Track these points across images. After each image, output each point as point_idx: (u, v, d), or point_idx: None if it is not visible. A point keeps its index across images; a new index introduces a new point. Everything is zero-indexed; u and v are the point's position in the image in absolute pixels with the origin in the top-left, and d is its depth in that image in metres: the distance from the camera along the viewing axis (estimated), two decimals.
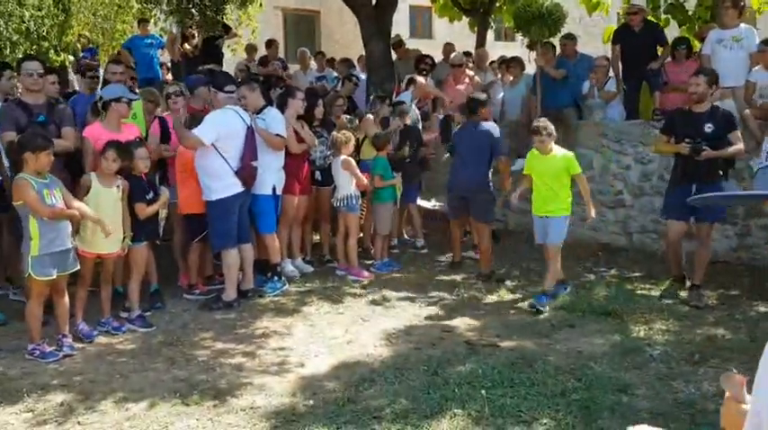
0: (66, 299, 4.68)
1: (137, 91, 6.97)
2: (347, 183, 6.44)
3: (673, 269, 6.03)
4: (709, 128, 5.56)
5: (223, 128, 5.49)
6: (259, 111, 5.99)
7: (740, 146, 5.67)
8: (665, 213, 5.96)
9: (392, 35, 9.70)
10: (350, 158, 6.44)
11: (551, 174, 5.64)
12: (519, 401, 3.82)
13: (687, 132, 5.63)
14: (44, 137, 4.62)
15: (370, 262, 6.81)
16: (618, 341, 4.83)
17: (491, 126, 6.49)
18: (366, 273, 6.45)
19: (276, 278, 6.04)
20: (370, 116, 7.25)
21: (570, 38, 8.18)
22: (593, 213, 5.86)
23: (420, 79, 8.03)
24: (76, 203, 4.63)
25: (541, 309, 5.43)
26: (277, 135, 5.92)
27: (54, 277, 4.47)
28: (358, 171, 6.43)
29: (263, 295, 5.88)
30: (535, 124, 5.64)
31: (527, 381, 4.09)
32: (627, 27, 7.89)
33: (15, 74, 5.78)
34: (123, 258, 5.16)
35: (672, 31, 9.37)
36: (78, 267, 4.68)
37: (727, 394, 1.54)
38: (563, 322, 5.25)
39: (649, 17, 8.40)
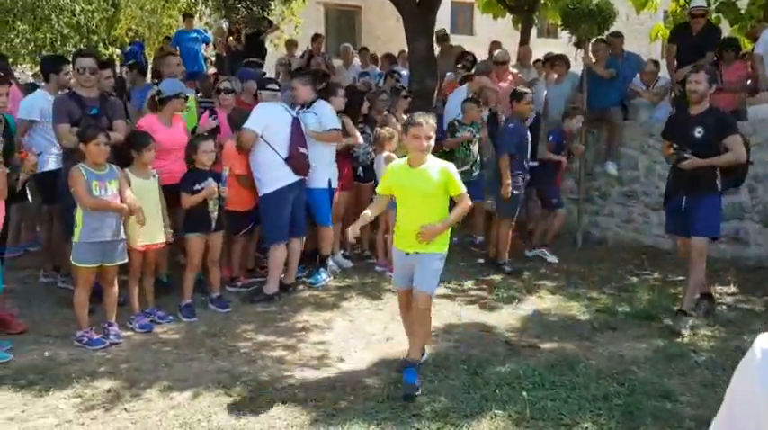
0: (116, 289, 4.79)
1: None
2: None
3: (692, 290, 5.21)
4: (698, 132, 4.96)
5: (269, 118, 5.57)
6: (309, 105, 6.06)
7: (737, 153, 4.96)
8: (666, 228, 5.59)
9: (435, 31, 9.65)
10: (393, 155, 6.44)
11: (424, 194, 4.02)
12: (560, 404, 3.79)
13: (676, 136, 5.14)
14: (95, 127, 4.74)
15: None
16: (661, 346, 4.75)
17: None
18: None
19: (323, 270, 6.12)
20: (393, 117, 7.20)
21: (618, 36, 8.04)
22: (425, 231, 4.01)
23: (483, 79, 7.91)
24: (130, 199, 4.72)
25: (413, 394, 3.89)
26: (331, 129, 6.00)
27: (96, 266, 4.57)
28: None
29: (311, 285, 6.02)
30: (412, 118, 4.00)
31: (568, 384, 4.05)
32: (686, 27, 7.67)
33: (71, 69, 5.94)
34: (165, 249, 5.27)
35: (723, 30, 9.13)
36: (126, 259, 4.78)
37: None
38: (605, 325, 5.18)
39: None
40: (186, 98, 5.73)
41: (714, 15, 9.62)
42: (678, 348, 4.71)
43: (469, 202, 4.14)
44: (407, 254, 4.10)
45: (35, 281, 6.04)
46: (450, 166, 4.08)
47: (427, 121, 3.94)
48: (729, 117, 5.35)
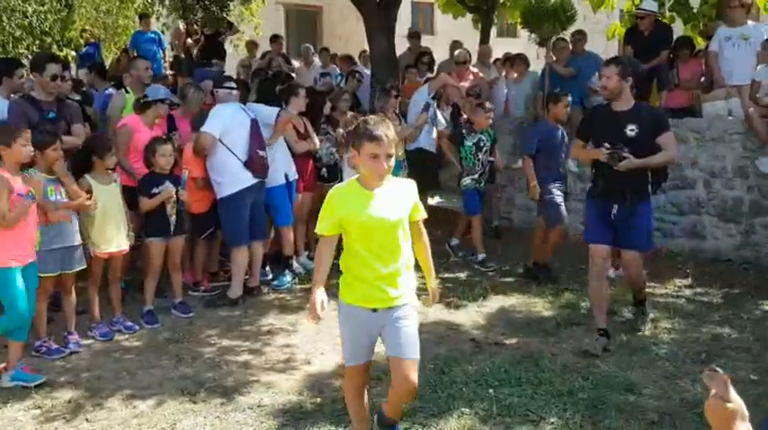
0: (73, 297, 4.68)
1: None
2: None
3: (596, 313, 4.74)
4: (631, 130, 4.49)
5: (228, 120, 5.51)
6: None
7: (671, 152, 4.64)
8: (585, 235, 4.92)
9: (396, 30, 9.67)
10: (355, 155, 6.41)
11: (390, 226, 3.03)
12: (526, 400, 3.82)
13: (606, 136, 4.58)
14: (51, 132, 4.62)
15: None
16: (624, 340, 4.82)
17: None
18: None
19: (287, 271, 6.08)
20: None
21: (581, 34, 8.15)
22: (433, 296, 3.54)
23: (443, 76, 7.92)
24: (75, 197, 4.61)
25: None
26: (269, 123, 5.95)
27: (56, 274, 4.47)
28: None
29: (275, 288, 5.97)
30: (367, 128, 2.99)
31: (534, 380, 4.09)
32: (636, 29, 7.85)
33: (25, 72, 5.79)
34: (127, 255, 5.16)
35: (677, 29, 9.34)
36: (85, 266, 4.67)
37: (712, 392, 1.54)
38: (568, 320, 5.25)
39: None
40: (171, 104, 5.66)
41: (668, 14, 9.84)
42: (640, 341, 4.79)
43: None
44: (374, 310, 3.09)
45: None
46: (414, 184, 3.23)
47: (387, 134, 2.94)
48: (662, 112, 5.07)
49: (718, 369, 1.54)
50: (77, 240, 4.59)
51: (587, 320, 5.24)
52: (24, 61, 9.51)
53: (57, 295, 4.77)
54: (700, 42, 8.53)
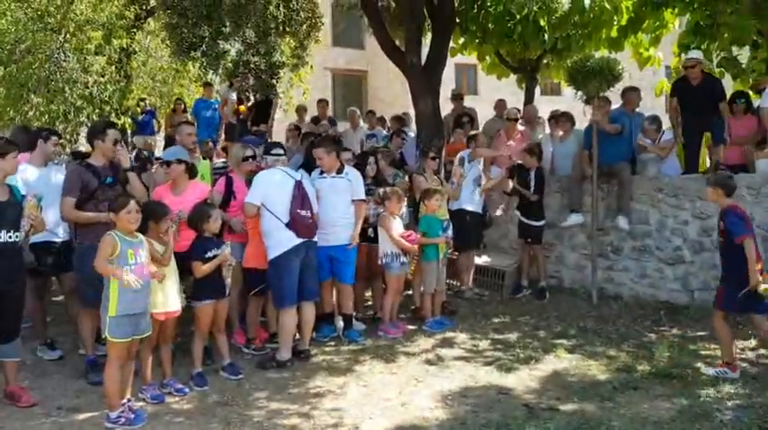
0: (133, 362, 4.71)
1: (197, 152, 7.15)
2: (384, 241, 6.47)
3: None
4: None
5: (268, 185, 5.64)
6: (339, 171, 6.24)
7: None
8: None
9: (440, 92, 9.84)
10: (387, 215, 6.46)
11: None
12: None
13: None
14: (125, 195, 4.75)
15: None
16: (685, 405, 4.61)
17: None
18: (394, 330, 6.42)
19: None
20: (421, 177, 7.30)
21: (635, 90, 8.11)
22: None
23: (482, 151, 8.02)
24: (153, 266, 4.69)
25: None
26: (360, 200, 6.29)
27: (129, 339, 4.47)
28: (393, 229, 6.43)
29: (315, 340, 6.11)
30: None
31: None
32: (685, 80, 7.73)
33: (58, 140, 6.01)
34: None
35: (726, 85, 9.24)
36: (150, 331, 4.70)
37: None
38: (625, 384, 5.05)
39: (706, 69, 8.24)
40: (188, 165, 5.72)
41: (717, 70, 9.75)
42: (702, 407, 4.58)
43: None
44: None
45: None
46: None
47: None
48: None
49: None
50: (148, 305, 4.63)
51: (645, 384, 5.05)
52: (84, 129, 9.99)
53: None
54: (755, 97, 8.37)
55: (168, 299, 4.88)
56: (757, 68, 9.59)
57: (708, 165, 7.92)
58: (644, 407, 4.60)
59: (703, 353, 5.78)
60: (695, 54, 7.83)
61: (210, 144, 9.55)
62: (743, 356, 5.69)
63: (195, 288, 5.21)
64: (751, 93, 8.38)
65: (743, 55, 10.11)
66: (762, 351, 5.82)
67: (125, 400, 4.52)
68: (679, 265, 7.29)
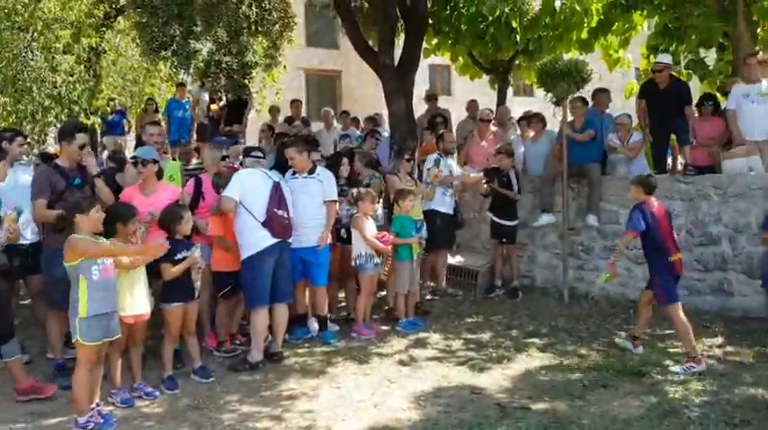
0: (102, 366, 4.63)
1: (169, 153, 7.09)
2: (358, 242, 6.47)
3: None
4: None
5: (246, 184, 5.62)
6: (311, 172, 6.21)
7: None
8: None
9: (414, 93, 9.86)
10: (360, 216, 6.46)
11: None
12: None
13: None
14: (91, 197, 4.71)
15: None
16: (654, 403, 4.68)
17: None
18: (367, 331, 6.42)
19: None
20: (395, 177, 7.31)
21: (605, 91, 8.21)
22: None
23: (448, 137, 8.07)
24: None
25: None
26: (332, 201, 6.24)
27: (101, 342, 4.41)
28: (366, 230, 6.43)
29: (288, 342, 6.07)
30: None
31: None
32: (653, 83, 7.88)
33: (24, 140, 5.89)
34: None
35: (693, 86, 9.40)
36: (120, 334, 4.62)
37: None
38: (596, 383, 5.11)
39: (673, 73, 8.40)
40: (155, 162, 5.63)
41: (684, 72, 9.93)
42: (670, 405, 4.65)
43: None
44: None
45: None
46: None
47: None
48: None
49: None
50: (116, 306, 4.57)
51: (615, 382, 5.12)
52: (52, 129, 9.83)
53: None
54: (722, 99, 8.53)
55: (137, 302, 4.82)
56: (724, 70, 9.78)
57: (672, 165, 8.10)
58: (614, 405, 4.66)
59: (671, 350, 5.87)
60: (663, 58, 7.99)
61: (189, 145, 9.43)
62: (710, 354, 5.79)
63: (164, 290, 5.16)
64: (718, 94, 8.53)
65: (710, 57, 10.30)
66: (728, 348, 5.93)
67: (94, 405, 4.47)
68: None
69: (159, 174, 5.69)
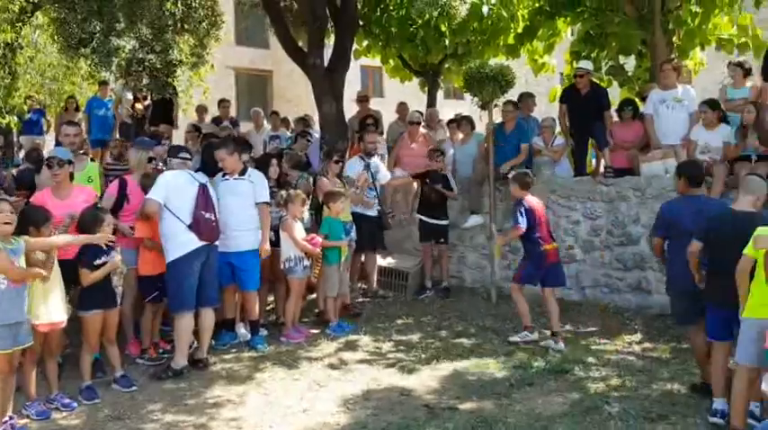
0: (15, 377, 4.41)
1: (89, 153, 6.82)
2: (287, 245, 6.40)
3: None
4: None
5: (172, 186, 5.47)
6: (242, 173, 6.08)
7: None
8: None
9: (344, 94, 9.83)
10: (290, 219, 6.39)
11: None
12: None
13: None
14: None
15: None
16: (576, 399, 4.81)
17: None
18: (297, 335, 6.38)
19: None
20: (325, 179, 7.26)
21: (531, 96, 8.42)
22: None
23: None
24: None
25: None
26: (264, 202, 6.12)
27: (11, 351, 4.21)
28: (295, 232, 6.37)
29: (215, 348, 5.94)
30: None
31: None
32: (574, 88, 8.16)
33: None
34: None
35: (613, 91, 9.76)
36: (32, 342, 4.42)
37: None
38: (521, 381, 5.22)
39: (594, 79, 8.70)
40: (70, 163, 5.40)
41: (605, 77, 10.28)
42: (592, 400, 4.78)
43: None
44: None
45: None
46: None
47: None
48: None
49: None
50: (26, 314, 4.35)
51: (539, 380, 5.23)
52: None
53: None
54: (640, 104, 8.88)
55: (51, 309, 4.62)
56: (642, 76, 10.17)
57: (594, 167, 8.39)
58: (538, 403, 4.76)
59: (594, 348, 6.06)
60: (584, 65, 8.28)
61: (125, 142, 9.05)
62: (629, 350, 6.00)
63: (82, 297, 4.95)
64: (637, 100, 8.86)
65: (629, 63, 10.69)
66: (646, 344, 6.16)
67: (7, 417, 4.28)
68: (571, 264, 7.59)
69: (71, 176, 5.47)
